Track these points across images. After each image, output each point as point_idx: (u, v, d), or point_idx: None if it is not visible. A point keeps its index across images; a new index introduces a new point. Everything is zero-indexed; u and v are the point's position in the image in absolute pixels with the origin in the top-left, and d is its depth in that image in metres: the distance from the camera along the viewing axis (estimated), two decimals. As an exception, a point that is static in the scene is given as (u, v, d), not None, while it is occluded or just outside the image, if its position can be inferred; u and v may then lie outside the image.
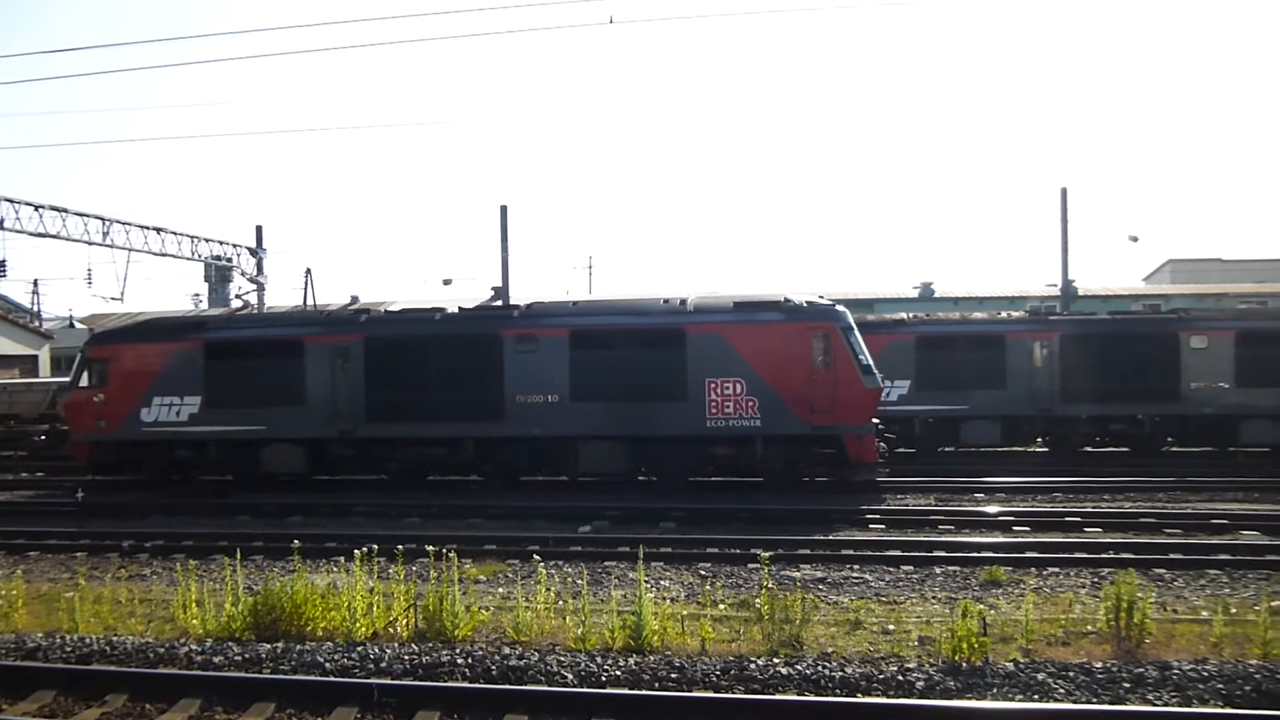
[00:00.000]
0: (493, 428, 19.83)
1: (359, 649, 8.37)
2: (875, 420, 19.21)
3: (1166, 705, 7.05)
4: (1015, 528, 14.85)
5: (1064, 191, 33.33)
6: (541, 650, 8.38)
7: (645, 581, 9.46)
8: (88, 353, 22.21)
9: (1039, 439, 25.29)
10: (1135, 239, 70.15)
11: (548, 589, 9.85)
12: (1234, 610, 9.63)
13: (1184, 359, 23.82)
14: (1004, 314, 28.84)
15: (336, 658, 8.17)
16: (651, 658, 8.10)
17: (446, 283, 48.84)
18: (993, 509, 16.27)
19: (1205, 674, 7.57)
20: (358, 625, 8.90)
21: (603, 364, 19.57)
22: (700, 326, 19.50)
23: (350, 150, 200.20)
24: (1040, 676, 7.51)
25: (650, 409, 19.34)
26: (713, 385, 19.11)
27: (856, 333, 19.53)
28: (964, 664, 7.78)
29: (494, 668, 7.87)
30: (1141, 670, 7.64)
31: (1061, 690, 7.31)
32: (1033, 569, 11.96)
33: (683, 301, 20.27)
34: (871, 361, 19.26)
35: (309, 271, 43.59)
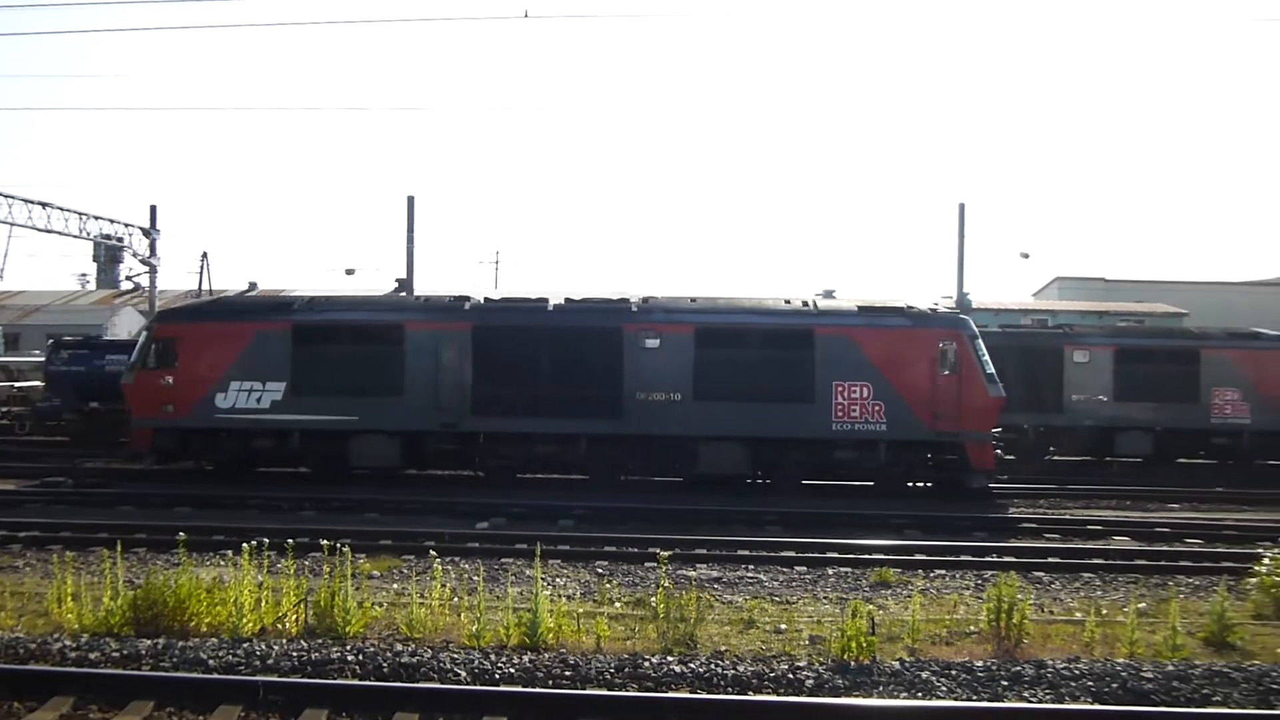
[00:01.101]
0: (610, 425, 19.24)
1: (245, 645, 8.15)
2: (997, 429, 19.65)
3: (1040, 702, 7.34)
4: (907, 530, 15.30)
5: (961, 207, 34.28)
6: (435, 647, 8.29)
7: (542, 579, 9.44)
8: (155, 331, 20.59)
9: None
10: (1026, 256, 73.17)
11: (443, 585, 9.76)
12: (1105, 612, 10.09)
13: (1067, 372, 24.84)
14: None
15: (221, 654, 7.94)
16: (546, 655, 8.09)
17: (349, 272, 48.06)
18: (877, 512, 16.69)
19: (1077, 672, 7.92)
20: (245, 621, 8.65)
21: (728, 363, 19.25)
22: (829, 328, 19.49)
23: (252, 132, 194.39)
24: (924, 675, 7.75)
25: (775, 410, 19.12)
26: (840, 388, 19.11)
27: (980, 341, 19.73)
28: (852, 663, 7.97)
29: (385, 665, 7.76)
30: (1019, 669, 7.94)
31: (944, 688, 7.55)
32: (921, 571, 12.34)
33: (806, 302, 20.33)
34: (995, 370, 19.51)
35: (205, 255, 42.25)
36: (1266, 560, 10.89)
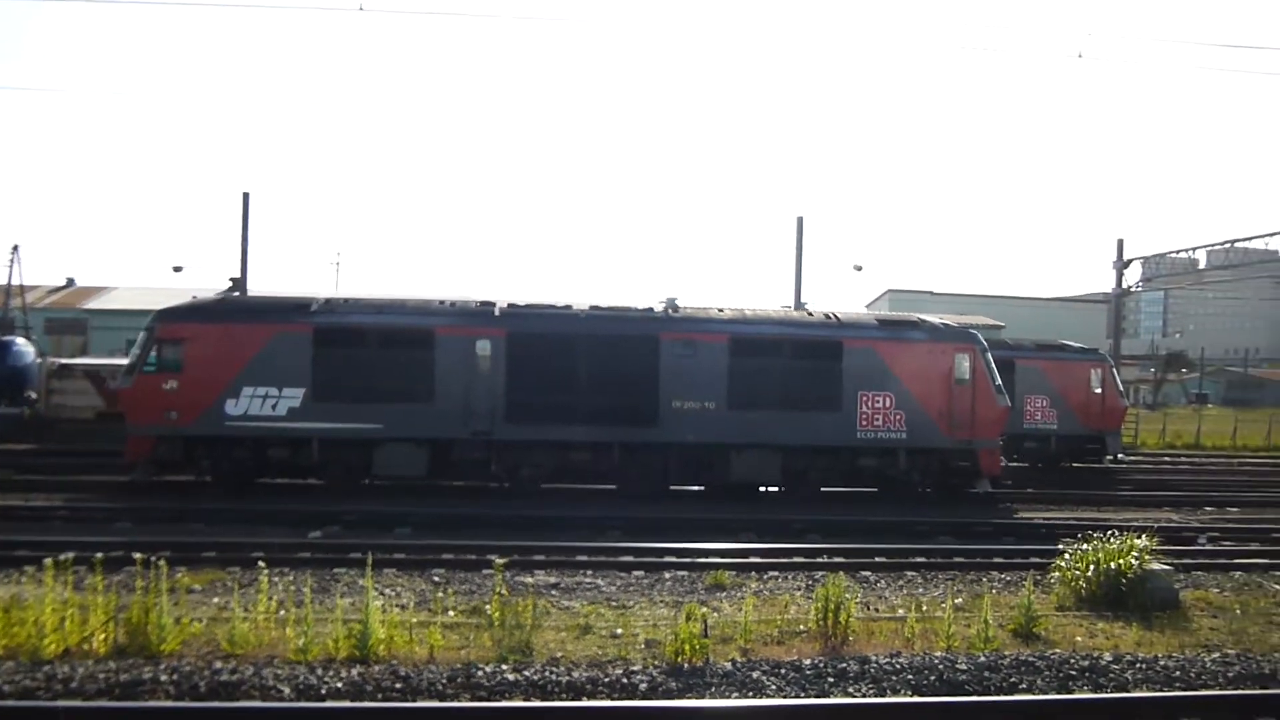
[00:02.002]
0: (646, 433, 19.27)
1: (46, 668, 7.58)
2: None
3: (864, 696, 7.63)
4: (743, 534, 15.64)
5: (800, 221, 35.52)
6: (258, 663, 7.92)
7: (375, 589, 9.19)
8: (157, 331, 18.77)
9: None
10: (860, 268, 75.74)
11: (270, 598, 9.35)
12: (925, 608, 10.59)
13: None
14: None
15: (18, 678, 7.35)
16: (376, 668, 7.86)
17: (177, 269, 45.53)
18: (721, 515, 17.04)
19: (899, 666, 8.27)
20: (47, 642, 8.05)
21: (761, 372, 19.64)
22: (856, 341, 20.22)
23: (69, 121, 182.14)
24: (755, 674, 7.92)
25: (804, 418, 19.68)
26: (865, 398, 19.89)
27: (990, 354, 20.83)
28: (686, 665, 8.07)
29: (203, 684, 7.36)
30: (845, 665, 8.23)
31: (774, 686, 7.74)
32: (755, 573, 12.62)
33: (829, 315, 21.08)
34: (1001, 382, 20.81)
35: (16, 249, 39.54)
36: (1067, 555, 11.69)
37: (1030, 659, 8.65)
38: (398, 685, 7.46)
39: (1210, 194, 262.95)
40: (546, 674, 7.75)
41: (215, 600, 10.39)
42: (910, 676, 8.08)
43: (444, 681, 7.55)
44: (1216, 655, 9.19)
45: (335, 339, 18.89)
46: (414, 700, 7.24)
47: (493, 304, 20.20)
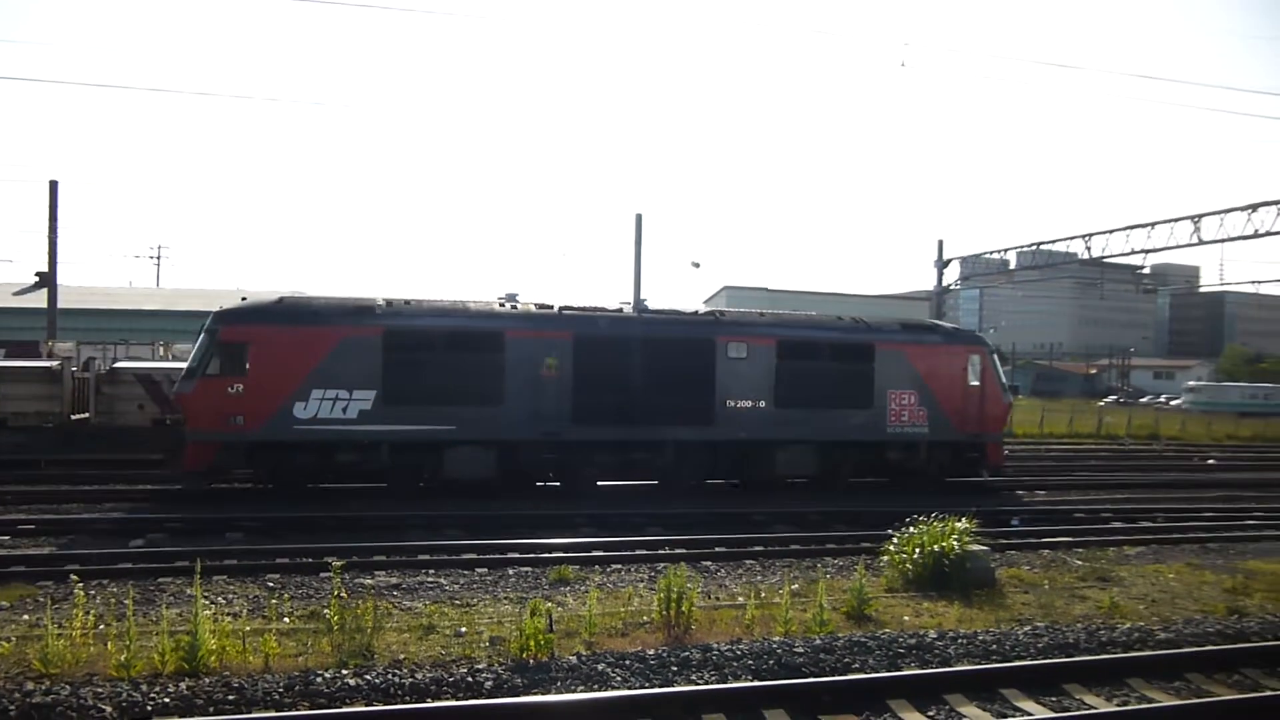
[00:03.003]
0: (702, 431, 20.13)
1: None
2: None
3: (707, 684, 7.81)
4: (584, 529, 15.72)
5: (639, 218, 35.87)
6: (75, 682, 7.43)
7: (205, 597, 8.78)
8: (220, 333, 17.86)
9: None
10: (697, 265, 77.11)
11: (88, 612, 8.78)
12: (764, 595, 10.94)
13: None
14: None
15: None
16: (207, 680, 7.51)
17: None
18: (561, 511, 17.07)
19: (739, 652, 8.52)
20: None
21: (804, 373, 20.93)
22: (886, 344, 21.89)
23: None
24: (600, 667, 8.00)
25: (842, 415, 21.15)
26: (893, 396, 21.54)
27: (997, 356, 22.81)
28: (531, 661, 8.08)
29: (13, 708, 6.86)
30: (687, 654, 8.42)
31: (619, 678, 7.84)
32: (599, 567, 12.72)
33: (857, 320, 22.74)
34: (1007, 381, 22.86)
35: None
36: (895, 540, 12.29)
37: (862, 639, 9.06)
38: (230, 697, 7.17)
39: (1020, 199, 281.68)
40: (389, 677, 7.60)
41: (25, 617, 9.68)
42: (750, 662, 8.34)
43: (280, 691, 7.30)
44: (1028, 628, 9.87)
45: (405, 342, 18.59)
46: (248, 711, 6.97)
47: (552, 306, 20.34)
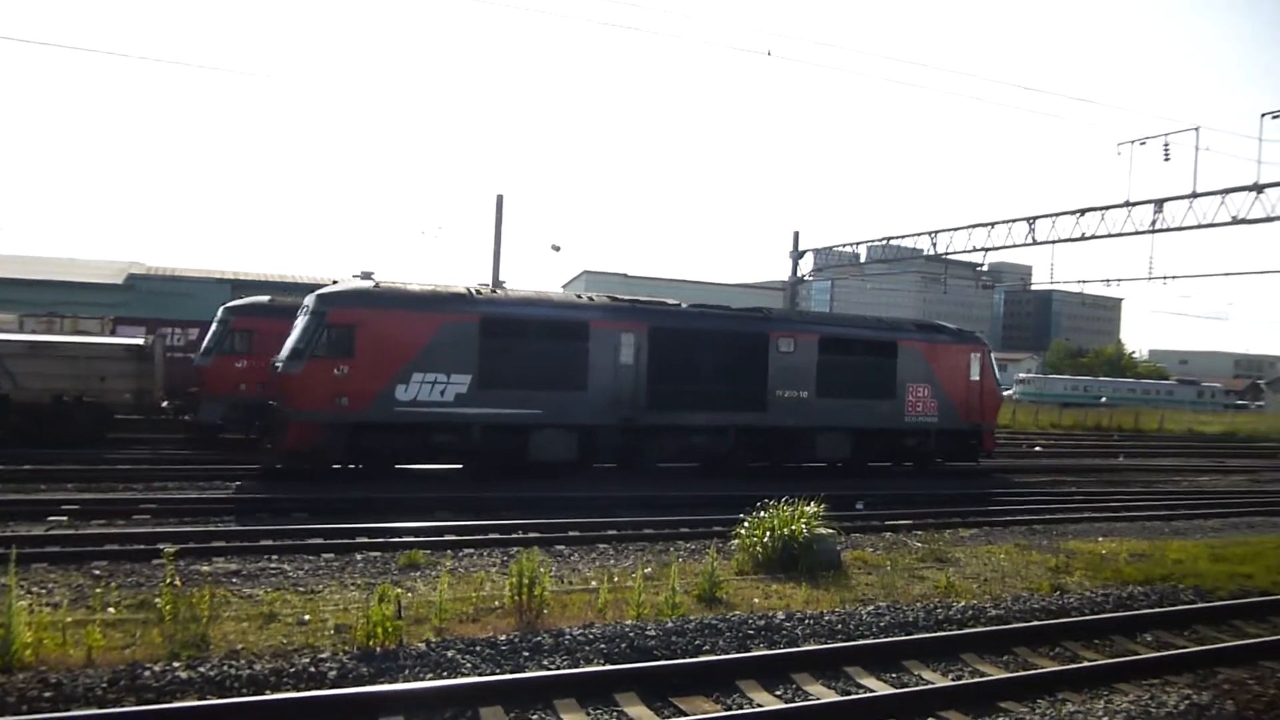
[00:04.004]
0: (756, 418, 22.00)
1: None
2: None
3: (559, 668, 7.74)
4: (438, 512, 15.41)
5: (500, 199, 35.33)
6: None
7: (19, 587, 8.15)
8: (330, 316, 18.23)
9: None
10: (557, 249, 76.45)
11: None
12: (617, 579, 10.96)
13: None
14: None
15: None
16: (21, 676, 6.95)
17: None
18: (417, 494, 16.70)
19: (592, 636, 8.48)
20: None
21: (841, 366, 23.16)
22: (906, 342, 24.47)
23: None
24: (450, 654, 7.82)
25: (869, 405, 23.51)
26: (911, 389, 24.17)
27: (992, 354, 26.17)
28: (378, 649, 7.82)
29: None
30: (539, 639, 8.32)
31: (469, 665, 7.68)
32: (450, 551, 12.48)
33: (881, 320, 25.79)
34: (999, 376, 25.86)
35: None
36: (746, 524, 12.51)
37: (713, 622, 9.17)
38: (47, 694, 6.66)
39: (873, 195, 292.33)
40: (225, 669, 7.23)
41: None
42: (603, 645, 8.31)
43: (104, 685, 6.83)
44: (871, 608, 10.20)
45: (500, 329, 19.39)
46: (68, 709, 6.49)
47: (629, 301, 21.85)
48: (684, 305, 23.09)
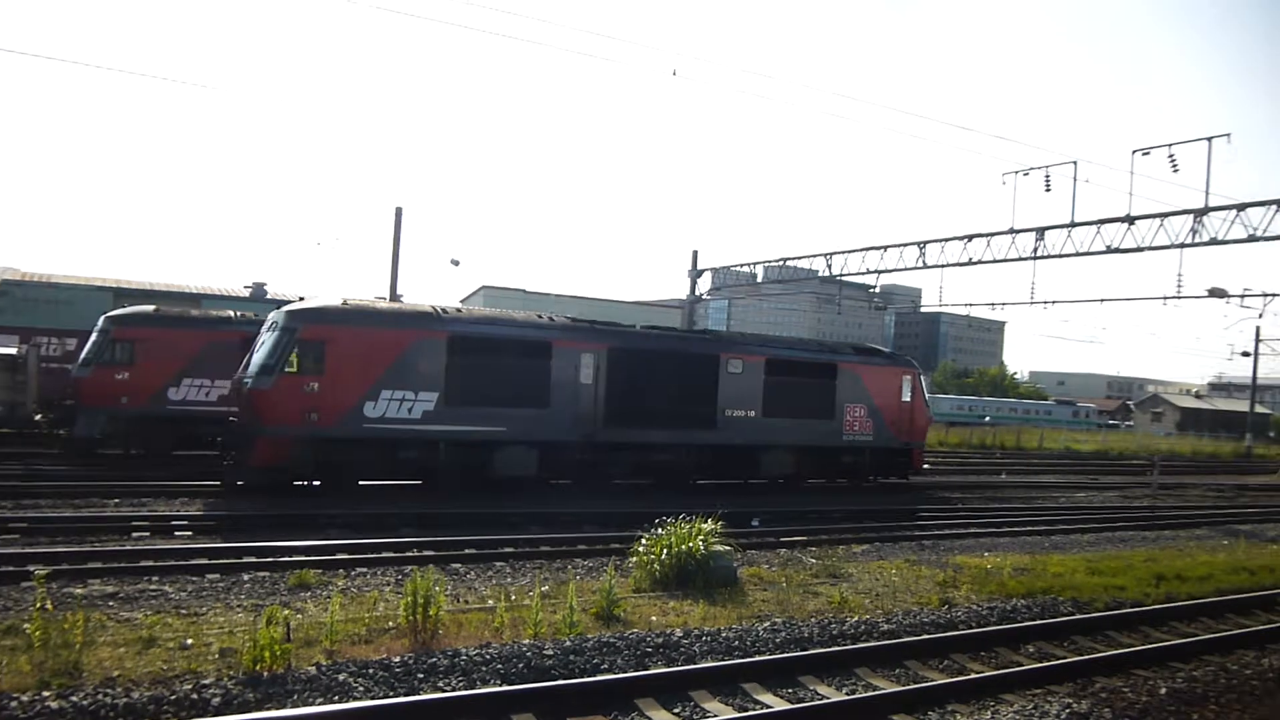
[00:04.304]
0: (708, 436, 22.82)
1: None
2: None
3: (455, 690, 7.59)
4: (330, 530, 15.01)
5: (399, 211, 34.79)
6: None
7: None
8: (300, 332, 18.18)
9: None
10: (457, 263, 75.75)
11: None
12: (514, 597, 10.83)
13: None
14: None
15: None
16: (-128, 708, 6.51)
17: None
18: (304, 510, 16.24)
19: (489, 656, 8.35)
20: None
21: (784, 387, 24.08)
22: (845, 364, 25.66)
23: None
24: (341, 677, 7.60)
25: (810, 424, 24.62)
26: (849, 409, 25.39)
27: (922, 376, 27.32)
28: (265, 673, 7.55)
29: None
30: (435, 660, 8.16)
31: (361, 688, 7.47)
32: (343, 570, 12.16)
33: (822, 343, 27.21)
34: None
35: None
36: (644, 541, 12.52)
37: (611, 640, 9.13)
38: (-99, 727, 6.24)
39: (770, 216, 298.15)
40: (100, 698, 6.87)
41: None
42: (500, 666, 8.19)
43: (-35, 717, 6.43)
44: (767, 624, 10.31)
45: (466, 347, 19.57)
46: (-77, 743, 6.09)
47: (589, 322, 22.49)
48: (638, 326, 24.11)
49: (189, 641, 8.55)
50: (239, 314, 25.75)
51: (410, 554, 13.38)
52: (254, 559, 12.41)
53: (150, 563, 11.99)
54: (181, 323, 23.63)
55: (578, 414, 20.88)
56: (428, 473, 19.62)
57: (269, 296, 43.59)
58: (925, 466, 28.90)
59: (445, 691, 7.53)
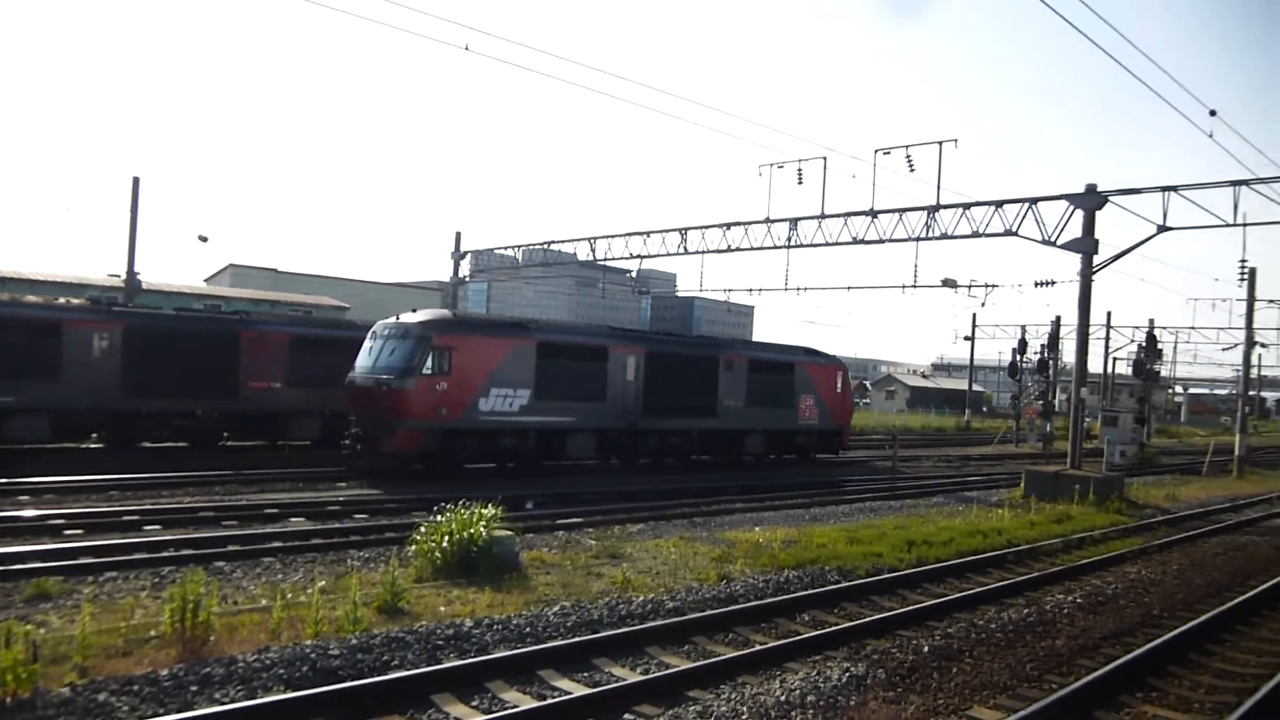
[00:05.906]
0: (711, 422, 28.10)
1: None
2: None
3: (234, 701, 7.05)
4: (67, 531, 13.62)
5: (136, 180, 31.99)
6: None
7: None
8: (434, 340, 21.68)
9: (94, 434, 23.77)
10: (205, 239, 71.02)
11: None
12: (290, 595, 10.22)
13: (242, 358, 24.87)
14: (63, 300, 26.53)
15: None
16: None
17: None
18: (33, 512, 14.65)
19: (268, 662, 7.82)
20: None
21: (761, 383, 29.54)
22: (800, 363, 31.36)
23: None
24: (102, 697, 6.87)
25: (776, 412, 30.08)
26: (803, 398, 30.95)
27: (849, 372, 34.14)
28: (8, 699, 6.71)
29: None
30: (209, 670, 7.55)
31: (126, 707, 6.79)
32: (90, 576, 11.03)
33: (782, 346, 32.96)
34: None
35: None
36: (422, 529, 12.18)
37: (400, 635, 8.80)
38: None
39: (534, 199, 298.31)
40: None
41: None
42: (282, 671, 7.70)
43: None
44: (557, 608, 10.27)
45: (549, 351, 23.90)
46: None
47: (631, 330, 28.18)
48: (663, 334, 31.00)
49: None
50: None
51: (168, 554, 12.35)
52: (-22, 569, 11.02)
53: None
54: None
55: (625, 406, 25.57)
56: (520, 456, 23.41)
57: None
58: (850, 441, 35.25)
59: (224, 704, 6.97)
